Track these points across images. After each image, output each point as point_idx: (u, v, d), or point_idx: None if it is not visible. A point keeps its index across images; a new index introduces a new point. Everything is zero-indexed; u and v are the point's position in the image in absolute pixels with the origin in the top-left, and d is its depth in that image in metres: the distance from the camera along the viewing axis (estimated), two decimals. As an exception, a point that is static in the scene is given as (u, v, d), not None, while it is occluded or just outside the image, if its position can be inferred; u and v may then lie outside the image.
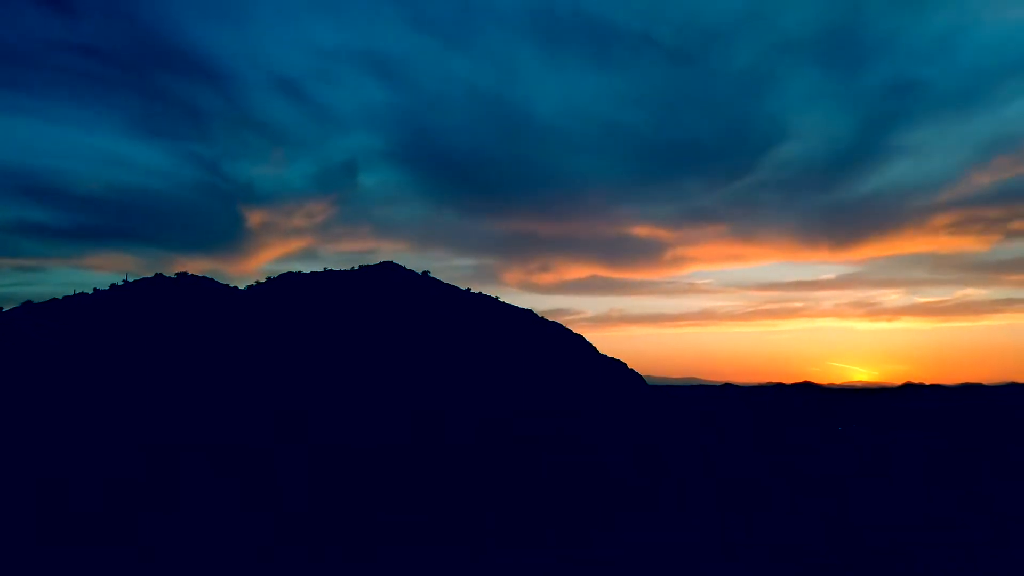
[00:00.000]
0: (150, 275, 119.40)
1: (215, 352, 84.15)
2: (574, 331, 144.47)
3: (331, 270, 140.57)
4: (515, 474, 67.85)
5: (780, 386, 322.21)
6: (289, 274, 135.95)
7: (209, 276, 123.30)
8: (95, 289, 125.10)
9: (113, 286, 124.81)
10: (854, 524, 56.61)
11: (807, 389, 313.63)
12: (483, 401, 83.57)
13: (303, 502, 55.28)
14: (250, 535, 46.20)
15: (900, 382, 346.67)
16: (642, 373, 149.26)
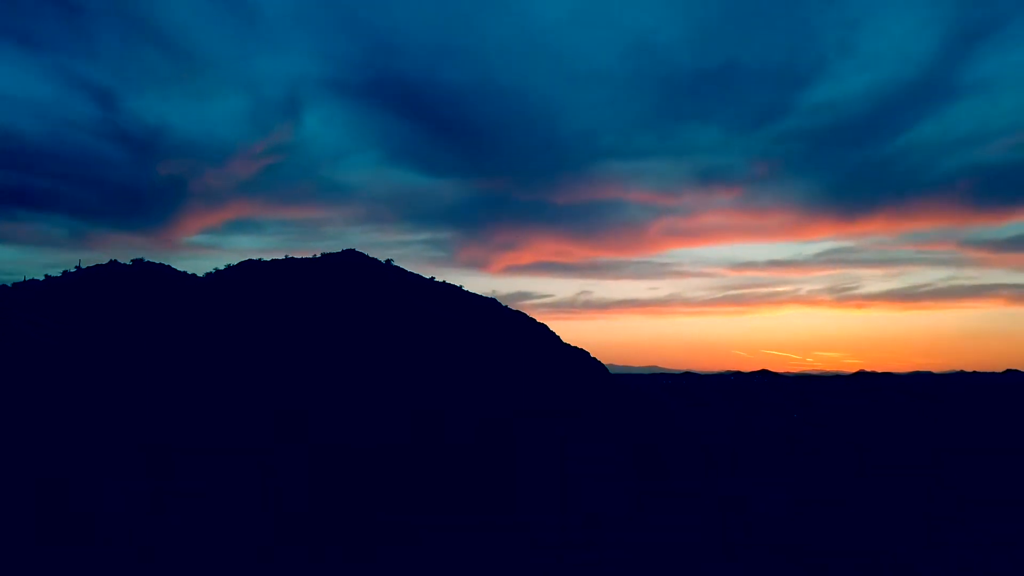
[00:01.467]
0: (45, 254, 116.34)
1: (179, 346, 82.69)
2: (540, 318, 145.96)
3: (293, 258, 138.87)
4: (475, 467, 68.35)
5: (739, 374, 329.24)
6: (249, 262, 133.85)
7: (114, 258, 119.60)
8: (46, 276, 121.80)
9: (65, 273, 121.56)
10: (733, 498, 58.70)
11: (764, 376, 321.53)
12: (447, 394, 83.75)
13: (301, 502, 55.00)
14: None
15: (854, 369, 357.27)
16: (605, 361, 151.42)
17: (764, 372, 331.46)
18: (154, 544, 43.35)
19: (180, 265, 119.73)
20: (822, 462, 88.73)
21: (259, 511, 51.77)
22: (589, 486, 66.29)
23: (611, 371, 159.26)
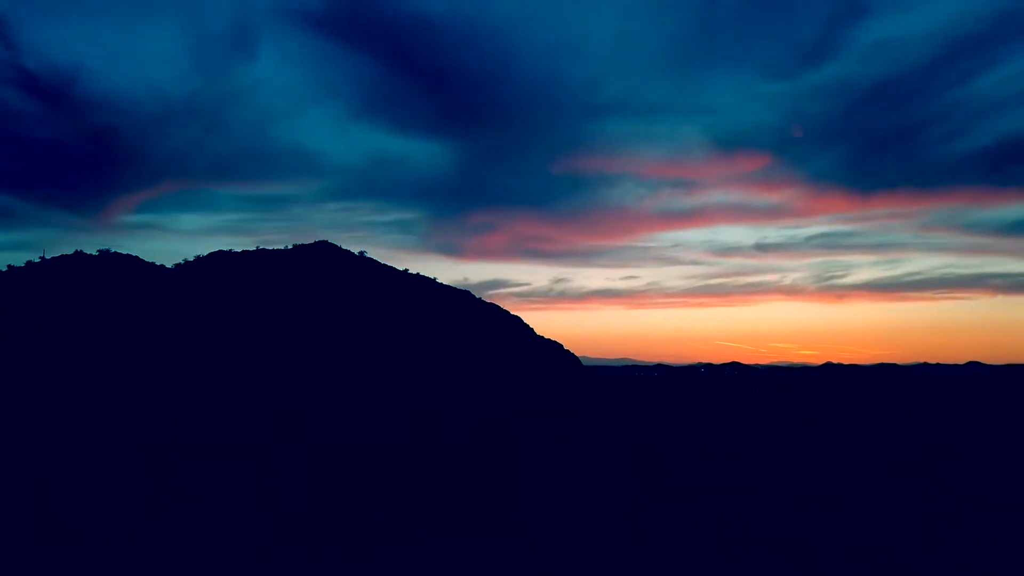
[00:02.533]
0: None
1: (147, 344, 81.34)
2: (515, 308, 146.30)
3: (264, 249, 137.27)
4: (442, 462, 68.49)
5: (710, 365, 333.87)
6: (220, 253, 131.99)
7: (42, 239, 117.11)
8: (9, 266, 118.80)
9: (29, 263, 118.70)
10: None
11: (735, 367, 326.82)
12: (420, 390, 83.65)
13: (301, 500, 54.55)
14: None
15: (822, 361, 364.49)
16: (579, 353, 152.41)
17: (734, 364, 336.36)
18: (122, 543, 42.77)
19: (122, 248, 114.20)
20: (816, 458, 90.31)
21: (256, 510, 51.45)
22: (566, 482, 66.82)
23: (584, 363, 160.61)
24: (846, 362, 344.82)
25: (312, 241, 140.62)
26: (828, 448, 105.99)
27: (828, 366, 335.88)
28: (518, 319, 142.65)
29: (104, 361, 72.88)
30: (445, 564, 42.83)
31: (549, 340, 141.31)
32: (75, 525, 45.17)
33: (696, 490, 68.85)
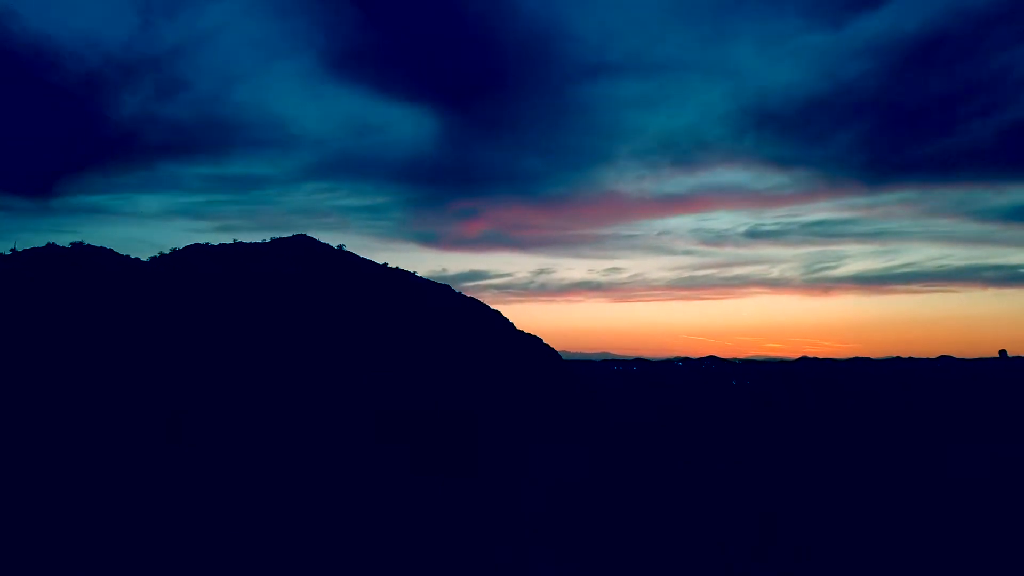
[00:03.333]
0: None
1: (129, 336, 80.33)
2: (495, 302, 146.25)
3: (241, 242, 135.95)
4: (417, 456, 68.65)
5: (687, 360, 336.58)
6: (196, 246, 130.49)
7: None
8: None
9: (0, 256, 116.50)
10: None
11: (712, 361, 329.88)
12: (397, 388, 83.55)
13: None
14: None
15: (798, 355, 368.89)
16: (558, 348, 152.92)
17: (712, 358, 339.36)
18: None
19: (74, 235, 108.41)
20: (810, 453, 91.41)
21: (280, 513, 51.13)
22: (530, 488, 67.24)
23: (565, 358, 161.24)
24: (822, 356, 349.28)
25: (290, 234, 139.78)
26: (813, 439, 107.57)
27: (803, 360, 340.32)
28: (498, 313, 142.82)
29: (81, 359, 71.96)
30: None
31: (529, 335, 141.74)
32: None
33: (672, 490, 69.62)
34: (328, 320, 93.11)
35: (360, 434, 70.61)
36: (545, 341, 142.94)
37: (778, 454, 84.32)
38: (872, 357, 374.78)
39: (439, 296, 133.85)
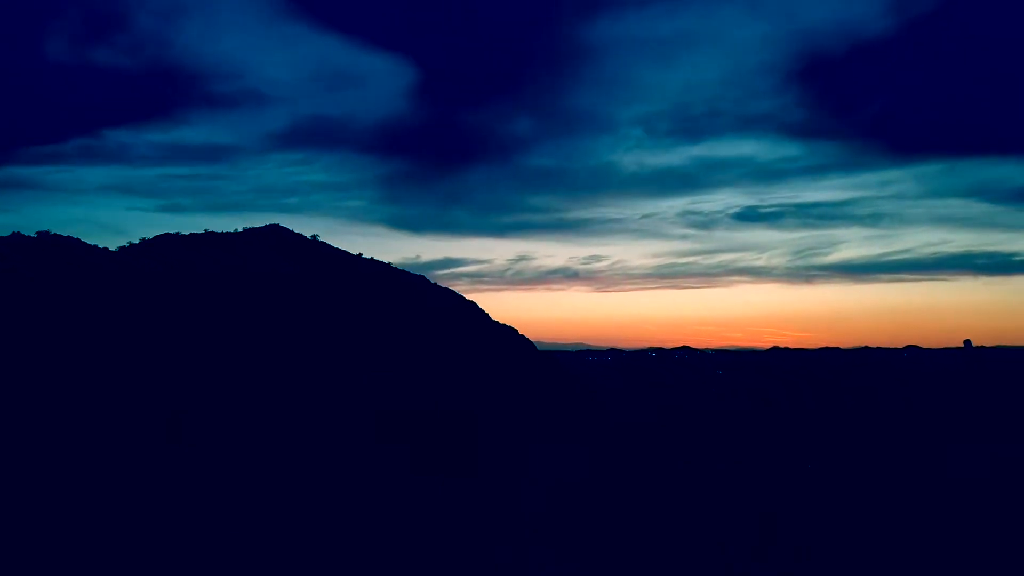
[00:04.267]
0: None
1: (96, 334, 78.84)
2: (470, 290, 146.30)
3: (212, 232, 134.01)
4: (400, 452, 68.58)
5: (660, 350, 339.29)
6: (166, 236, 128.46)
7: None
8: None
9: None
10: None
11: (685, 351, 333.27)
12: (369, 383, 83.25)
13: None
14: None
15: (768, 345, 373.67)
16: (533, 338, 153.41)
17: (685, 348, 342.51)
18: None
19: (17, 215, 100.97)
20: (810, 453, 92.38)
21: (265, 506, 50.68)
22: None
23: (540, 348, 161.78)
24: (793, 346, 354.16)
25: (263, 224, 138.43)
26: (810, 435, 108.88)
27: (775, 350, 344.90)
28: (473, 304, 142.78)
29: (70, 358, 70.59)
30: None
31: (504, 326, 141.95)
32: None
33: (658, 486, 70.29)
34: (315, 317, 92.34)
35: (360, 434, 70.32)
36: (529, 336, 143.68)
37: (778, 454, 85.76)
38: (842, 347, 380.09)
39: (413, 287, 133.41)
